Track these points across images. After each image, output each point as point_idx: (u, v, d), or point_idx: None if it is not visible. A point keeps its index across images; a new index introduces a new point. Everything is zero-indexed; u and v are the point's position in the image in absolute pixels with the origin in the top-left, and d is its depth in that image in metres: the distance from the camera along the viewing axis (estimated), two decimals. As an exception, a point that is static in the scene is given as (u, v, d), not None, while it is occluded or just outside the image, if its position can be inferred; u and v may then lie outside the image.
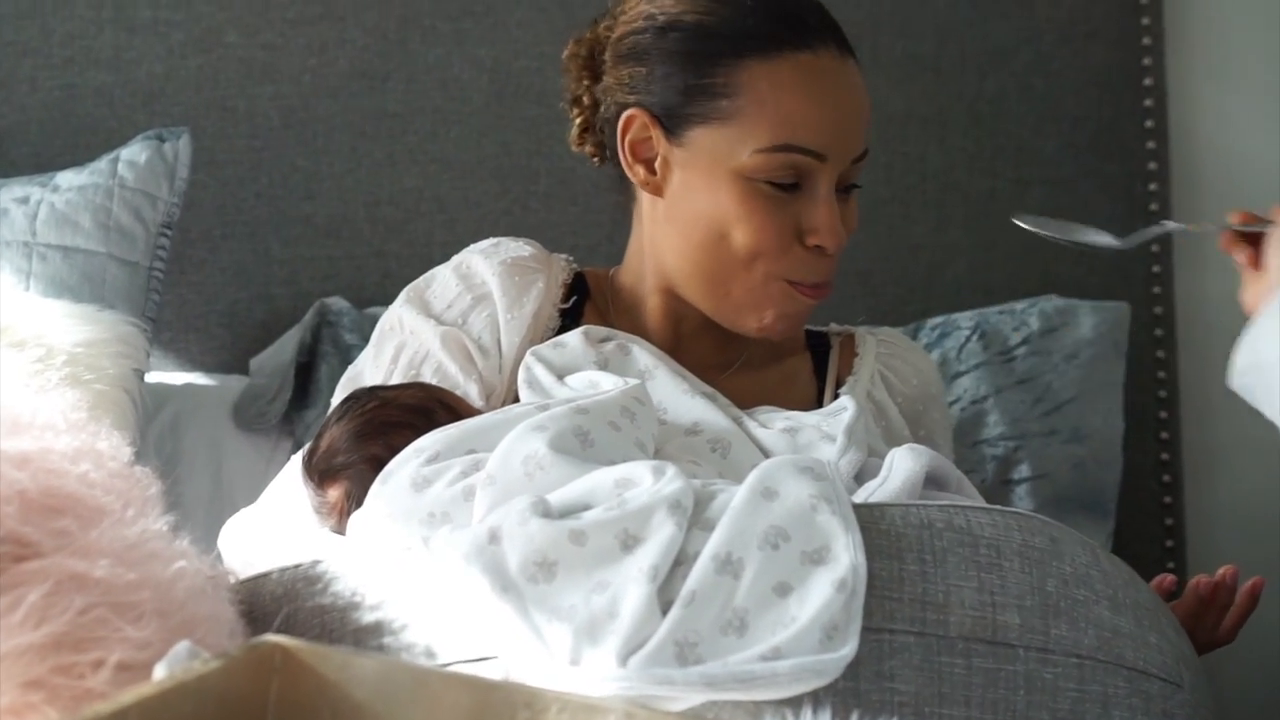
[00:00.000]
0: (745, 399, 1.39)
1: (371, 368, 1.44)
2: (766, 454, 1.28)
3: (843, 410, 1.32)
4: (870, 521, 1.06)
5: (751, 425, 1.33)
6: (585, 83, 1.46)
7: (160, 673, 0.86)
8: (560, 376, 1.34)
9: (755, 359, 1.49)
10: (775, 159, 1.34)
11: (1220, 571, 1.32)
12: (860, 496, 1.18)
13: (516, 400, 1.36)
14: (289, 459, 1.46)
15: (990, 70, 2.13)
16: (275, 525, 1.32)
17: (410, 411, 1.29)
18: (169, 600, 0.99)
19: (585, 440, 1.17)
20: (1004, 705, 1.01)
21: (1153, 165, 2.15)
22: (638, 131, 1.40)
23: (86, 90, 2.00)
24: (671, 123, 1.38)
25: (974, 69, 2.13)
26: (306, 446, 1.33)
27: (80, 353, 1.65)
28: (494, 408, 1.35)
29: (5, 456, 1.00)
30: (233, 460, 1.87)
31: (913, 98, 2.12)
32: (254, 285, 2.03)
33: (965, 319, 2.01)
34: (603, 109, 1.45)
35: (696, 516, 1.06)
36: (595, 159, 1.49)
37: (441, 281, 1.46)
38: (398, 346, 1.43)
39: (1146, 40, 2.15)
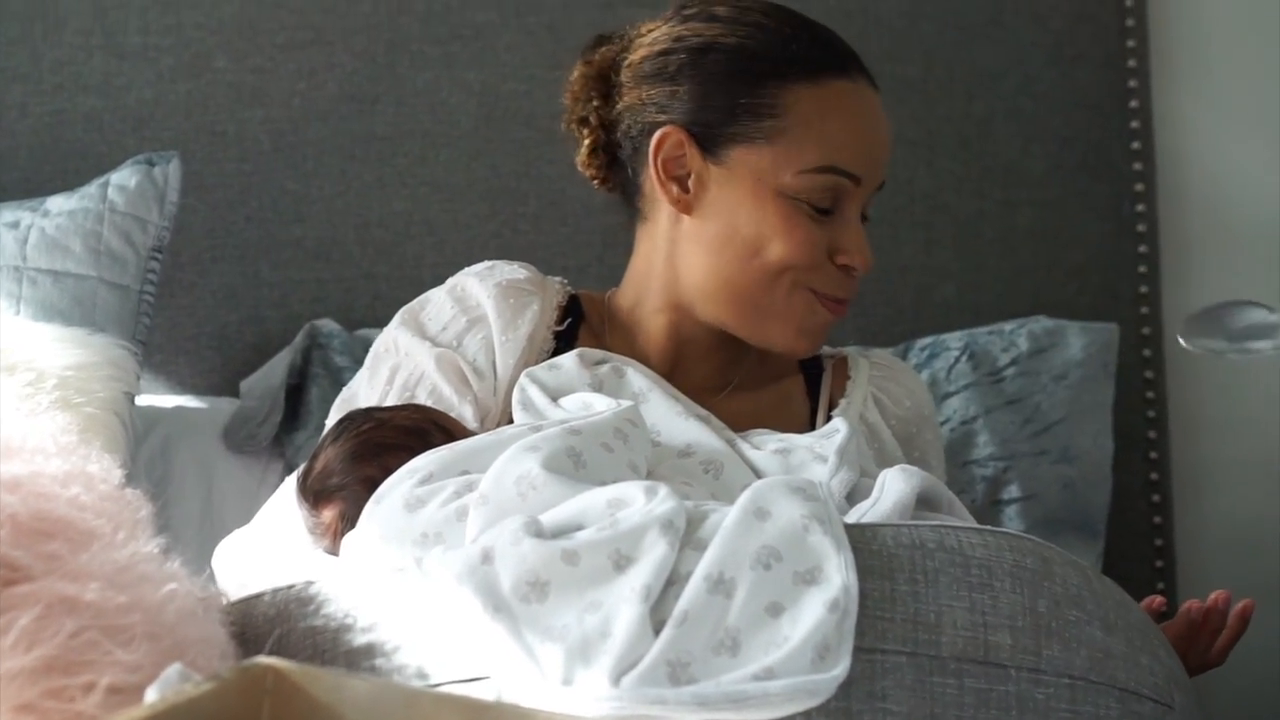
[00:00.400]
0: (739, 421, 1.40)
1: (366, 389, 1.45)
2: (759, 475, 1.28)
3: (835, 432, 1.33)
4: (862, 542, 1.06)
5: (744, 447, 1.33)
6: (595, 104, 1.47)
7: (151, 696, 0.86)
8: (554, 398, 1.34)
9: (749, 382, 1.50)
10: (818, 179, 1.38)
11: (1212, 596, 1.32)
12: (852, 517, 1.18)
13: (511, 422, 1.36)
14: (280, 481, 1.47)
15: (978, 93, 2.15)
16: (269, 547, 1.32)
17: (405, 433, 1.29)
18: (160, 623, 0.99)
19: (578, 461, 1.17)
20: (996, 725, 1.01)
21: (1140, 186, 2.16)
22: (671, 149, 1.41)
23: (76, 115, 2.01)
24: (709, 141, 1.40)
25: (962, 92, 2.14)
26: (301, 468, 1.33)
27: (71, 376, 1.65)
28: (489, 429, 1.35)
29: (-5, 481, 0.99)
30: (223, 482, 1.87)
31: (901, 120, 2.09)
32: (244, 308, 2.04)
33: (954, 340, 2.02)
34: (622, 128, 1.46)
35: (689, 536, 1.06)
36: (597, 181, 1.50)
37: (436, 304, 1.47)
38: (392, 368, 1.44)
39: (1132, 63, 2.16)
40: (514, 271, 1.48)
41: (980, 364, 1.98)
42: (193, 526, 1.79)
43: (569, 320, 1.48)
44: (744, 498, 1.07)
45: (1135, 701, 1.06)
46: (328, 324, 1.97)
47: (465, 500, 1.14)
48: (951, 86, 2.14)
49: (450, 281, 1.49)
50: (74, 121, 2.01)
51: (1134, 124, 2.16)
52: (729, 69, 1.40)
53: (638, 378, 1.40)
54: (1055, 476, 1.94)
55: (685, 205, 1.42)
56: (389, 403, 1.40)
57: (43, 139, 2.01)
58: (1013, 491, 1.93)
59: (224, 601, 1.16)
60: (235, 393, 1.95)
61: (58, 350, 1.67)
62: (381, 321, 1.53)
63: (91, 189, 1.85)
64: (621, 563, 1.02)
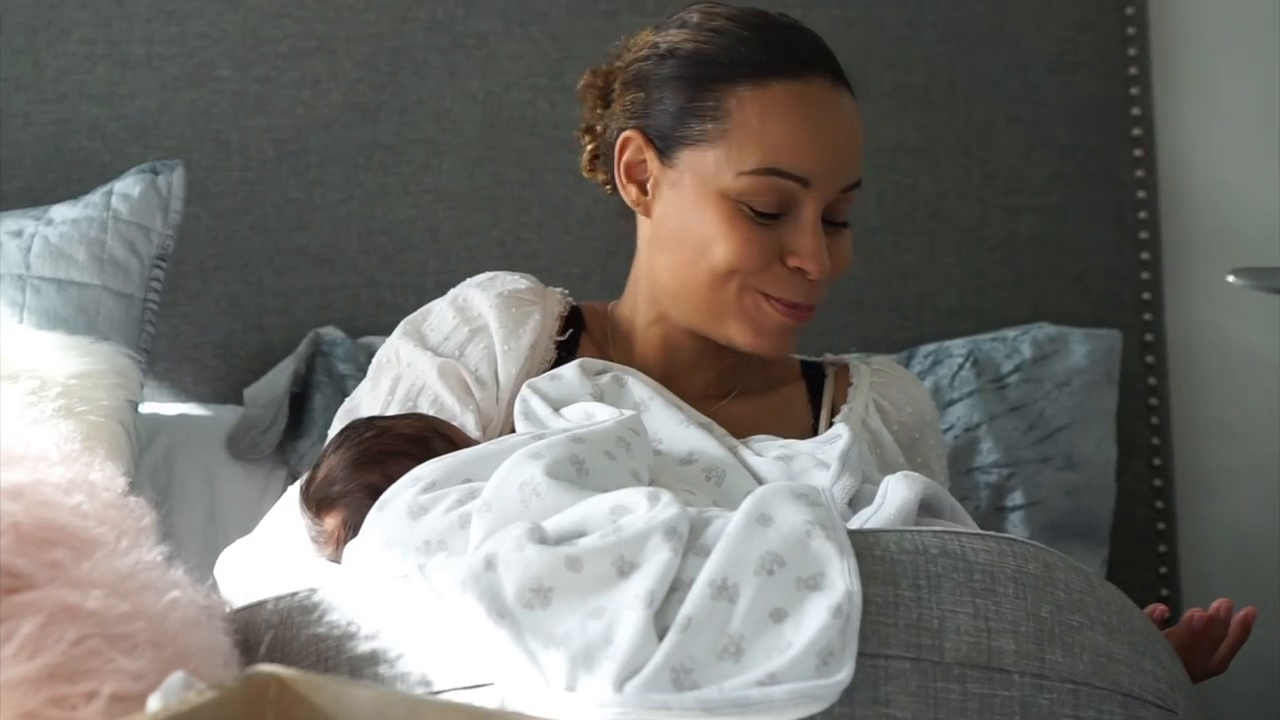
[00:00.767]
0: (741, 428, 1.40)
1: (369, 399, 1.45)
2: (761, 482, 1.29)
3: (837, 438, 1.32)
4: (865, 547, 1.06)
5: (746, 454, 1.34)
6: (598, 111, 1.49)
7: (154, 704, 0.87)
8: (556, 408, 1.35)
9: (751, 389, 1.51)
10: (759, 182, 1.37)
11: (1214, 605, 1.32)
12: (855, 523, 1.19)
13: (513, 431, 1.36)
14: (283, 489, 1.48)
15: (980, 101, 2.16)
16: (272, 555, 1.33)
17: (407, 441, 1.30)
18: (163, 631, 0.99)
19: (581, 469, 1.18)
20: (1000, 731, 1.01)
21: (1141, 193, 2.17)
22: (633, 153, 1.43)
23: (80, 124, 2.02)
24: (664, 144, 1.41)
25: (964, 100, 2.16)
26: (304, 476, 1.33)
27: (74, 384, 1.66)
28: (490, 438, 1.35)
29: (-1, 489, 1.00)
30: (227, 490, 1.88)
31: (904, 128, 2.14)
32: (248, 316, 2.05)
33: (958, 346, 2.02)
34: (608, 136, 1.48)
35: (692, 543, 1.06)
36: (607, 186, 1.51)
37: (438, 314, 1.48)
38: (395, 378, 1.44)
39: (1133, 70, 2.17)
40: (515, 282, 1.49)
41: (984, 371, 1.99)
42: (196, 534, 1.80)
43: (570, 330, 1.49)
44: (747, 504, 1.08)
45: (1139, 707, 1.06)
46: (331, 332, 1.98)
47: (468, 508, 1.15)
48: (954, 94, 2.15)
49: (452, 292, 1.50)
50: (78, 130, 2.02)
51: (1135, 131, 2.17)
52: (681, 73, 1.41)
53: (639, 387, 1.40)
54: (1059, 483, 1.94)
55: (645, 207, 1.44)
56: (391, 412, 1.41)
57: (47, 148, 2.02)
58: (1017, 498, 1.93)
59: (227, 609, 1.16)
60: (239, 400, 1.96)
61: (61, 358, 1.68)
62: (385, 329, 1.54)
63: (95, 197, 1.86)
64: (625, 569, 1.03)
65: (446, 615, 1.05)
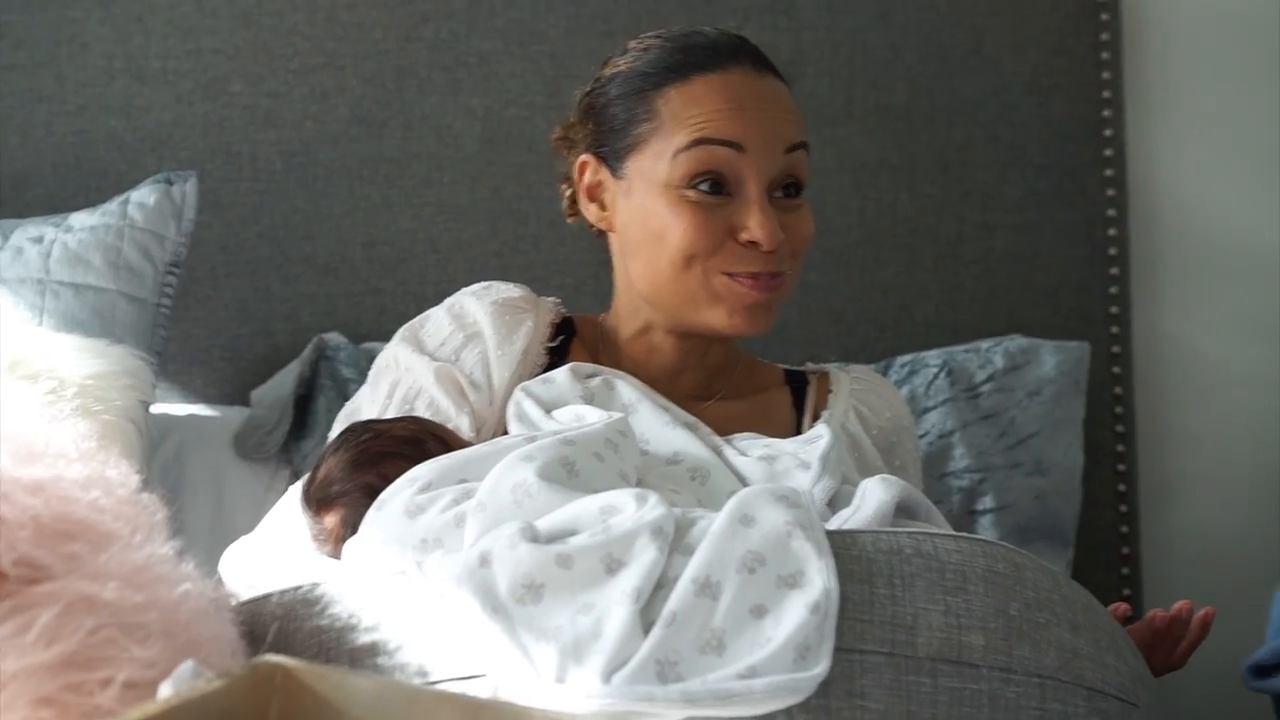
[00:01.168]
0: (727, 426, 1.42)
1: (368, 403, 1.48)
2: (744, 482, 1.30)
3: (818, 438, 1.34)
4: (843, 547, 1.08)
5: (730, 453, 1.35)
6: (570, 159, 1.53)
7: (165, 691, 0.89)
8: (548, 410, 1.37)
9: (737, 391, 1.53)
10: (692, 157, 1.40)
11: (1176, 606, 1.35)
12: (834, 524, 1.19)
13: (506, 433, 1.38)
14: (287, 487, 1.47)
15: (958, 121, 2.17)
16: (275, 551, 1.34)
17: (403, 443, 1.32)
18: (174, 621, 1.00)
19: (571, 470, 1.19)
20: (969, 722, 1.03)
21: (1112, 212, 2.18)
22: (590, 176, 1.49)
23: (98, 136, 2.04)
24: (613, 159, 1.46)
25: (943, 119, 2.17)
26: (305, 476, 1.35)
27: (90, 385, 1.66)
28: (485, 440, 1.37)
29: (20, 484, 1.01)
30: (234, 488, 1.89)
31: (885, 146, 2.15)
32: (255, 321, 2.06)
33: (933, 357, 2.03)
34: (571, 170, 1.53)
35: (677, 542, 1.08)
36: (592, 228, 1.54)
37: (435, 321, 1.50)
38: (393, 383, 1.47)
39: (1107, 94, 2.18)
40: (509, 290, 1.52)
41: (958, 380, 2.00)
42: (204, 530, 1.81)
43: (561, 337, 1.52)
44: (730, 504, 1.10)
45: (1102, 700, 1.08)
46: (335, 337, 1.99)
47: (463, 507, 1.16)
48: (933, 114, 2.16)
49: (448, 301, 1.52)
50: (96, 141, 2.03)
51: (1107, 152, 2.18)
52: (619, 92, 1.46)
53: (627, 389, 1.42)
54: (1028, 488, 1.96)
55: (607, 223, 1.49)
56: (390, 415, 1.43)
57: (66, 158, 2.03)
58: (987, 502, 1.95)
59: (234, 602, 1.17)
60: (246, 402, 1.97)
61: (78, 360, 1.69)
62: (386, 335, 1.55)
63: (112, 206, 1.87)
64: (613, 566, 1.05)
65: (443, 610, 1.06)
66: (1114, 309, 2.18)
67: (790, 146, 1.43)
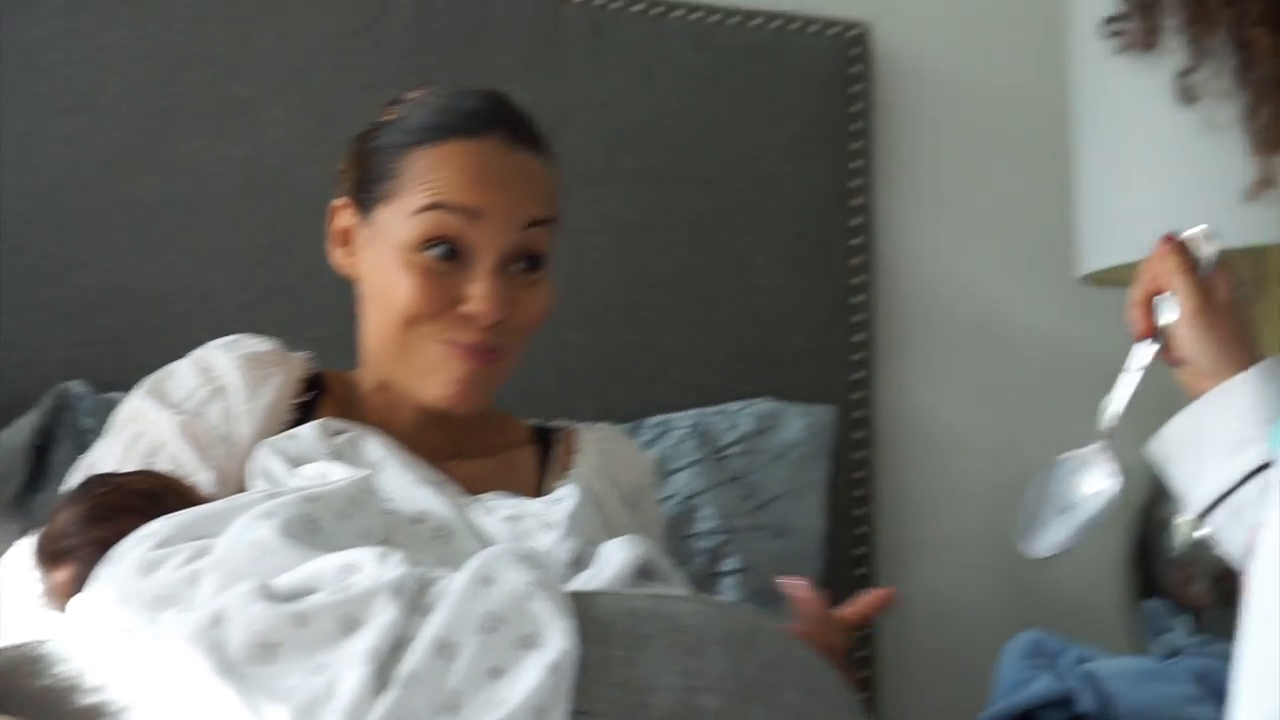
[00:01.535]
0: (474, 485, 1.42)
1: (108, 455, 1.44)
2: (488, 542, 1.30)
3: (564, 498, 1.36)
4: (581, 609, 1.08)
5: (476, 513, 1.35)
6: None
7: None
8: (293, 467, 1.35)
9: (483, 450, 1.54)
10: (426, 218, 1.41)
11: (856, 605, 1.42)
12: (575, 585, 1.20)
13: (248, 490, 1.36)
14: (20, 541, 1.42)
15: (715, 186, 2.20)
16: (2, 605, 1.30)
17: (140, 497, 1.29)
18: None
19: (313, 528, 1.18)
20: (704, 787, 1.03)
21: (858, 280, 2.24)
22: (343, 220, 1.50)
23: None
24: (365, 209, 1.47)
25: (700, 184, 2.20)
26: (38, 530, 1.32)
27: None
28: (228, 496, 1.34)
29: None
30: None
31: (643, 208, 2.18)
32: None
33: (683, 419, 2.06)
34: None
35: (418, 602, 1.07)
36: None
37: (181, 374, 1.48)
38: (134, 435, 1.44)
39: (856, 164, 2.25)
40: (258, 345, 1.51)
41: (706, 442, 2.02)
42: None
43: (312, 393, 1.51)
44: (471, 565, 1.09)
45: None
46: (77, 386, 1.93)
47: (200, 564, 1.14)
48: (691, 178, 2.19)
49: (194, 354, 1.50)
50: None
51: (856, 222, 2.24)
52: (382, 142, 1.47)
53: (375, 447, 1.41)
54: (771, 550, 1.99)
55: (349, 268, 1.50)
56: (129, 468, 1.40)
57: None
58: (732, 563, 1.96)
59: None
60: None
61: None
62: (131, 384, 1.52)
63: None
64: (350, 626, 1.04)
65: (174, 670, 1.04)
66: (858, 374, 2.24)
67: (531, 222, 1.44)
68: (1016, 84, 2.38)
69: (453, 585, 1.08)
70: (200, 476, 1.40)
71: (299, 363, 1.53)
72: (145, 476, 1.35)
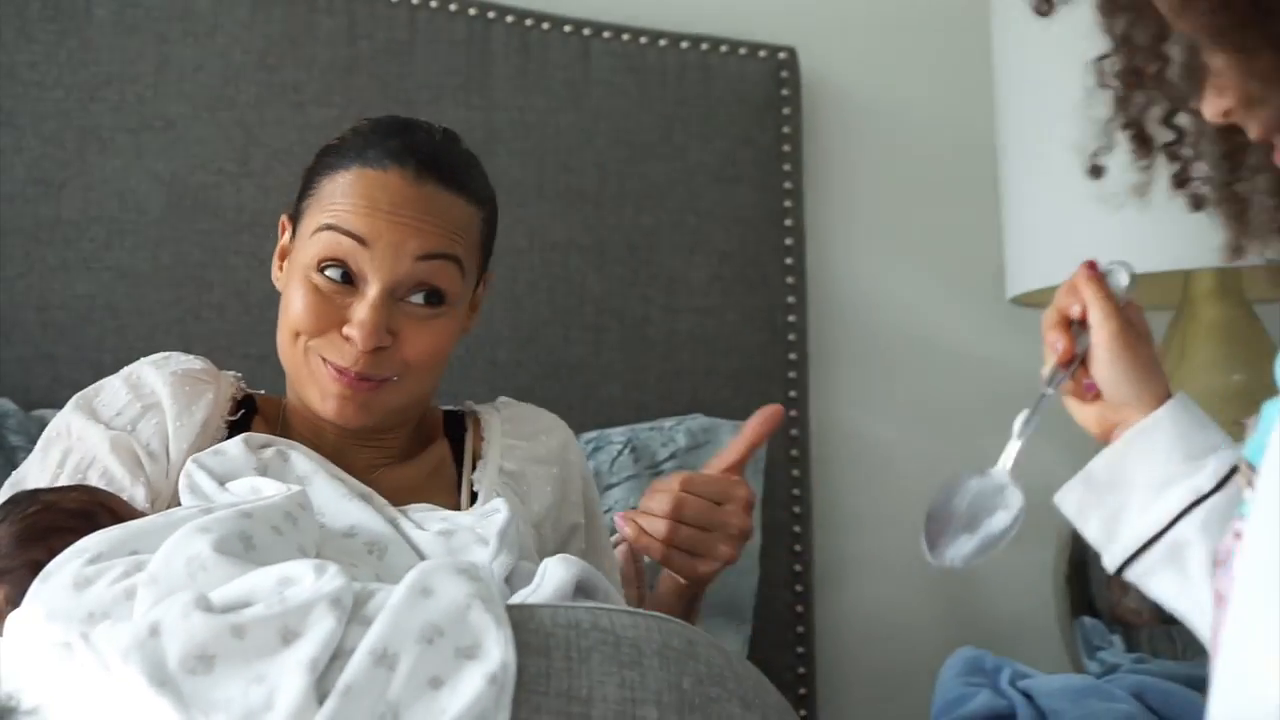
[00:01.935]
0: (400, 495, 1.41)
1: (38, 471, 1.43)
2: (422, 556, 1.29)
3: (496, 512, 1.35)
4: (522, 621, 1.09)
5: (408, 526, 1.34)
6: None
7: None
8: (222, 483, 1.34)
9: (406, 453, 1.54)
10: (321, 239, 1.43)
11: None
12: (515, 601, 1.20)
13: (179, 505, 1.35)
14: None
15: (646, 206, 2.22)
16: None
17: (73, 515, 1.28)
18: None
19: (249, 543, 1.17)
20: (645, 797, 1.04)
21: (791, 298, 2.25)
22: (283, 236, 1.52)
23: None
24: (295, 225, 1.49)
25: (631, 204, 2.21)
26: None
27: None
28: (160, 511, 1.32)
29: None
30: None
31: (574, 228, 2.19)
32: None
33: (618, 434, 2.06)
34: None
35: (356, 613, 1.07)
36: None
37: (111, 390, 1.47)
38: (64, 451, 1.43)
39: (788, 185, 2.27)
40: (190, 362, 1.51)
41: (641, 457, 2.03)
42: None
43: (243, 411, 1.50)
44: (410, 576, 1.09)
45: None
46: (4, 403, 1.92)
47: (134, 580, 1.13)
48: (622, 199, 2.21)
49: (126, 369, 1.50)
50: None
51: (788, 241, 2.26)
52: (316, 162, 1.49)
53: (302, 461, 1.40)
54: None
55: (278, 283, 1.52)
56: (60, 485, 1.38)
57: None
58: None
59: None
60: None
61: None
62: (59, 402, 1.51)
63: None
64: (289, 637, 1.03)
65: (110, 684, 1.03)
66: (792, 392, 2.24)
67: (425, 255, 1.43)
68: (943, 108, 2.41)
69: (392, 597, 1.07)
70: (132, 492, 1.39)
71: (231, 381, 1.53)
72: (78, 493, 1.34)
